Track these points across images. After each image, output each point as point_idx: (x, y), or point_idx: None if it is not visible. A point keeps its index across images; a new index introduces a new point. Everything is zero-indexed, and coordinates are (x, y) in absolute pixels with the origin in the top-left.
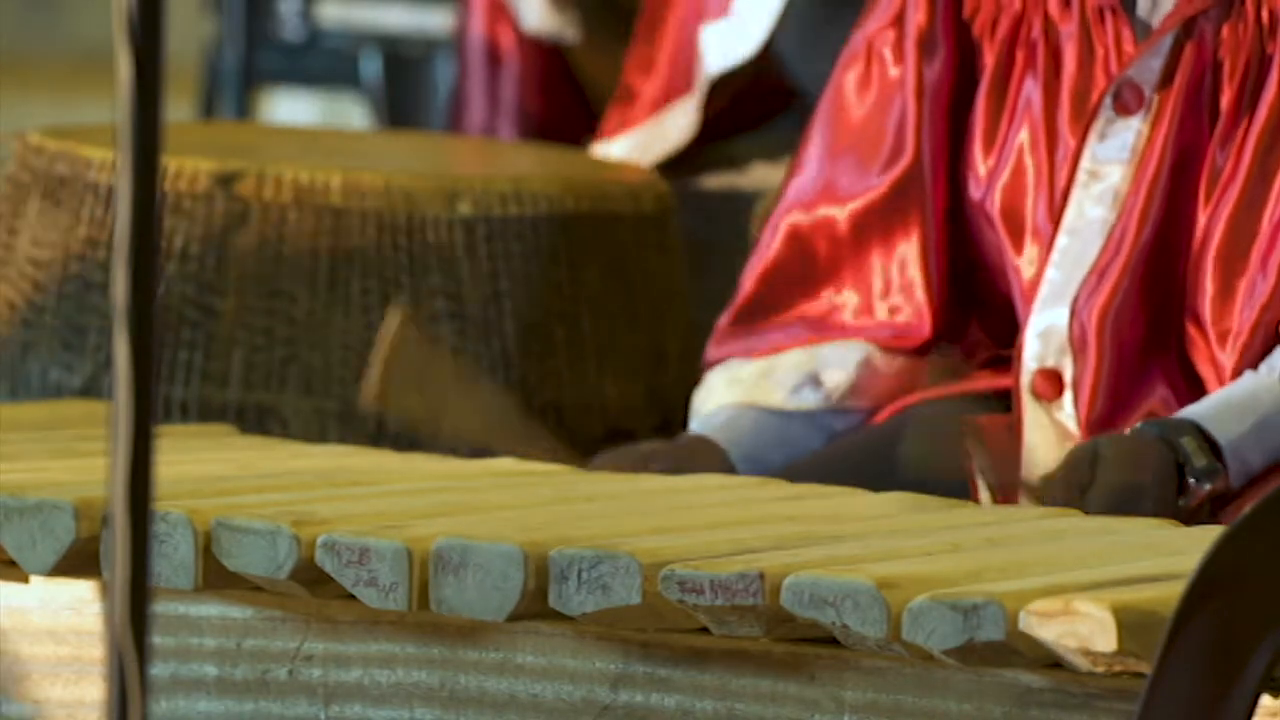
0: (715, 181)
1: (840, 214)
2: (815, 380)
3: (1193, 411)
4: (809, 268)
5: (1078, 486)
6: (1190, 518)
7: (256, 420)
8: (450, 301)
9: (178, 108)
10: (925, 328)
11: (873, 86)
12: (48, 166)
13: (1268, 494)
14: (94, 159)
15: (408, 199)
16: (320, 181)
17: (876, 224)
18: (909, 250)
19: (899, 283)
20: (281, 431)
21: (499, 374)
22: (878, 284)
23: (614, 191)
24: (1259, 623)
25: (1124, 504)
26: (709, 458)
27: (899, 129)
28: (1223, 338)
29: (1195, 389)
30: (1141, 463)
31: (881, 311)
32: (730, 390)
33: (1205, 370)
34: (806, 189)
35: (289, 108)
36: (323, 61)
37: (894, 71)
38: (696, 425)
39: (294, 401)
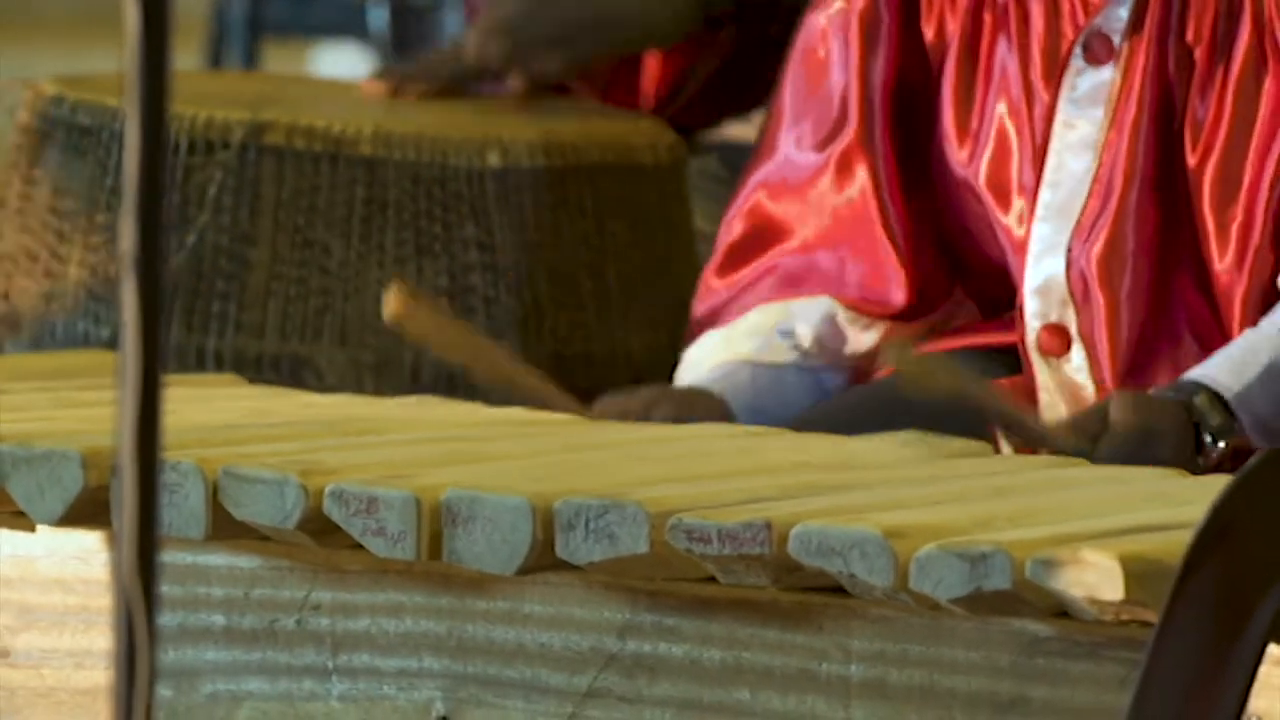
0: (741, 132)
1: (799, 192)
2: (788, 334)
3: (1196, 373)
4: (781, 234)
5: (1090, 432)
6: (1214, 462)
7: (291, 371)
8: (483, 253)
9: (185, 58)
10: (901, 294)
11: (820, 65)
12: (69, 116)
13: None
14: (120, 109)
15: (439, 150)
16: (352, 132)
17: (831, 199)
18: (869, 219)
19: (868, 253)
20: (317, 382)
21: (531, 325)
22: (848, 253)
23: (634, 142)
24: (1267, 572)
25: (1137, 450)
26: (710, 407)
27: (842, 105)
28: (1227, 287)
29: (1213, 332)
30: (1157, 412)
31: (853, 276)
32: (720, 350)
33: (1214, 318)
34: (772, 174)
35: (296, 58)
36: (330, 12)
37: (837, 49)
38: (691, 380)
39: (329, 352)
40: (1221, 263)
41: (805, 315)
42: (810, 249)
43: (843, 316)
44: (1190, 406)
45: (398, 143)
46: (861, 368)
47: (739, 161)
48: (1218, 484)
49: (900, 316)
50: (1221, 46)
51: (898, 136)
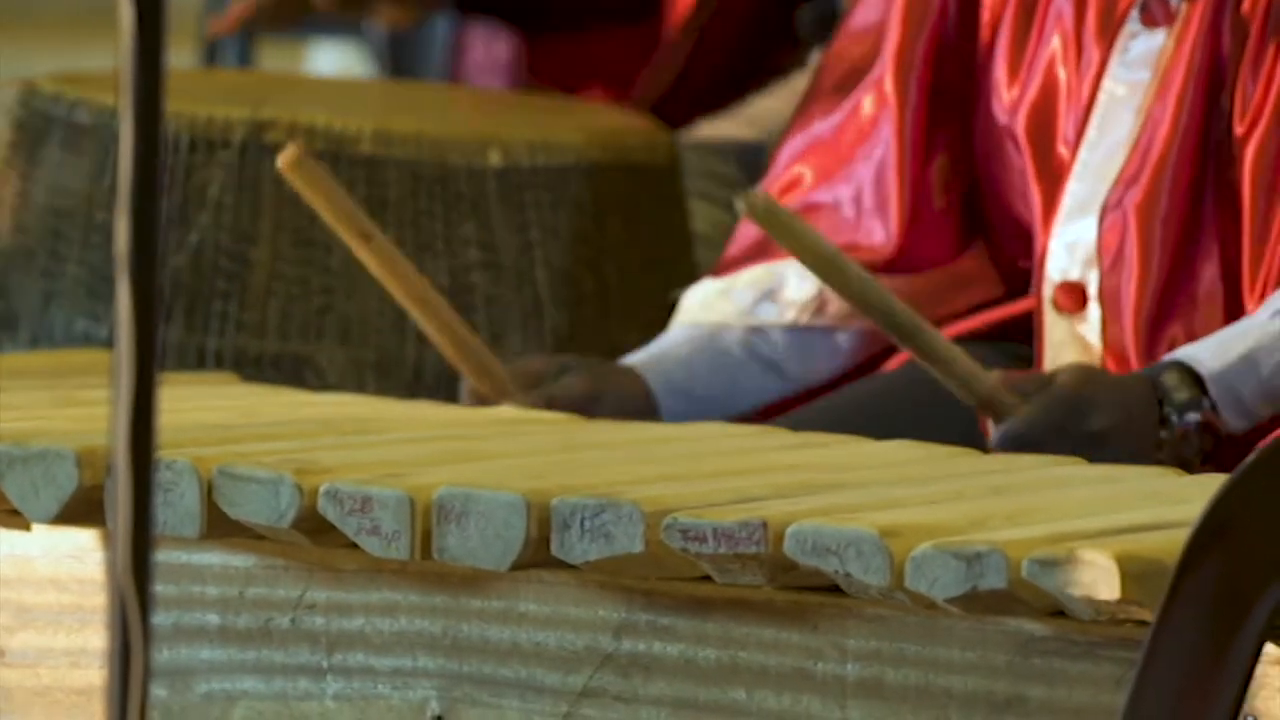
0: (741, 132)
1: (827, 145)
2: (772, 296)
3: (1181, 351)
4: (802, 179)
5: (1024, 390)
6: (1178, 450)
7: (293, 370)
8: (484, 251)
9: (180, 56)
10: (890, 247)
11: (866, 17)
12: (67, 114)
13: (1272, 442)
14: (118, 107)
15: (439, 149)
16: (353, 131)
17: (854, 140)
18: (886, 169)
19: (874, 199)
20: (318, 381)
21: (531, 323)
22: (859, 194)
23: (631, 142)
24: (1263, 571)
25: (1067, 416)
26: (622, 385)
27: (879, 49)
28: (1250, 263)
29: (1233, 306)
30: (1105, 386)
31: (851, 217)
32: (691, 310)
33: (1234, 292)
34: (798, 143)
35: (291, 56)
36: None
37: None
38: (642, 352)
39: (330, 351)
40: (1249, 239)
41: (800, 272)
42: (829, 180)
43: None
44: (1156, 382)
45: (398, 142)
46: (861, 329)
47: (739, 161)
48: (1214, 483)
49: (888, 267)
50: (1276, 22)
51: (933, 96)
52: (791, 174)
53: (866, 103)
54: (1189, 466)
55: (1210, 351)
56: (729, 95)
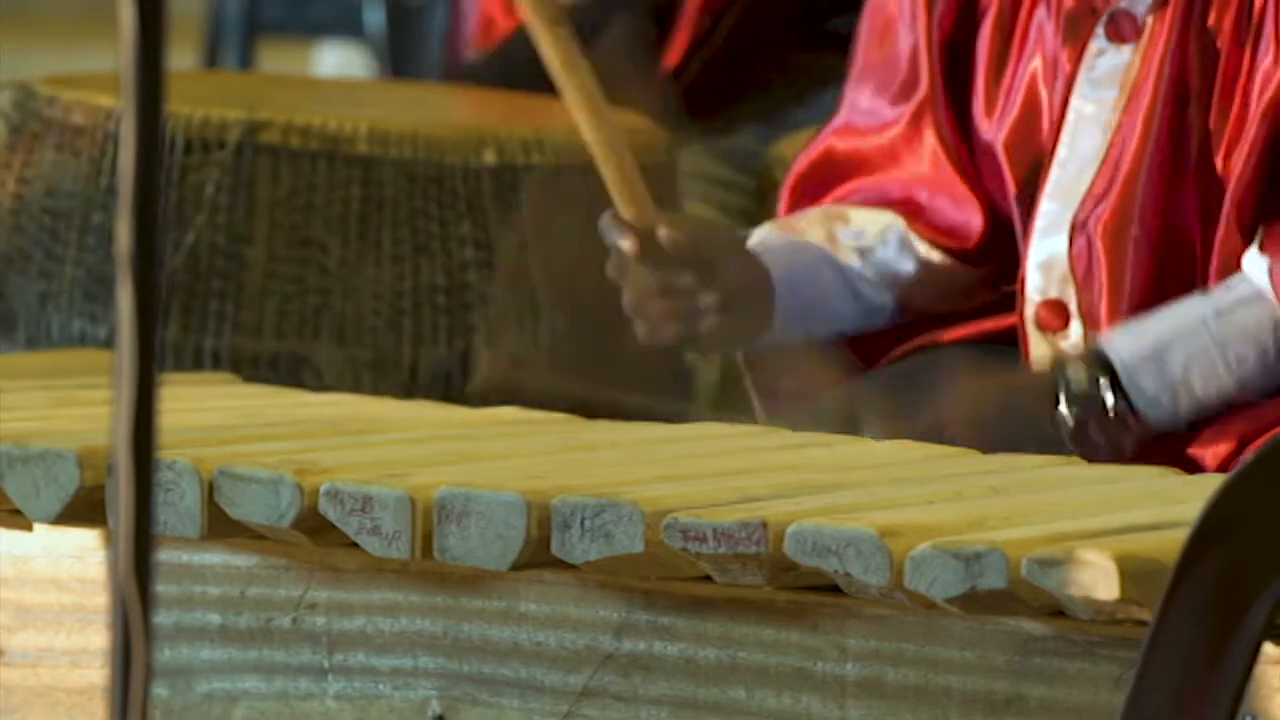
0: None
1: (866, 143)
2: (847, 233)
3: (1104, 338)
4: (852, 168)
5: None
6: (1081, 442)
7: (290, 370)
8: (479, 250)
9: (181, 57)
10: (978, 219)
11: (888, 23)
12: (62, 116)
13: (1271, 442)
14: (113, 108)
15: (435, 148)
16: (348, 130)
17: (905, 151)
18: (942, 169)
19: (947, 199)
20: (315, 381)
21: (527, 322)
22: (926, 190)
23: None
24: (1261, 571)
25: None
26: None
27: (913, 65)
28: (1216, 272)
29: None
30: (981, 400)
31: (925, 209)
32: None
33: None
34: (839, 123)
35: (292, 57)
36: (326, 11)
37: (906, 7)
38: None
39: (327, 351)
40: (1220, 244)
41: (869, 221)
42: (883, 183)
43: (904, 232)
44: (1062, 372)
45: (394, 141)
46: (909, 296)
47: (739, 161)
48: (1213, 483)
49: (973, 251)
50: (1244, 34)
51: (954, 97)
52: (830, 149)
53: (910, 128)
54: (1095, 454)
55: (1127, 336)
56: (743, 86)
